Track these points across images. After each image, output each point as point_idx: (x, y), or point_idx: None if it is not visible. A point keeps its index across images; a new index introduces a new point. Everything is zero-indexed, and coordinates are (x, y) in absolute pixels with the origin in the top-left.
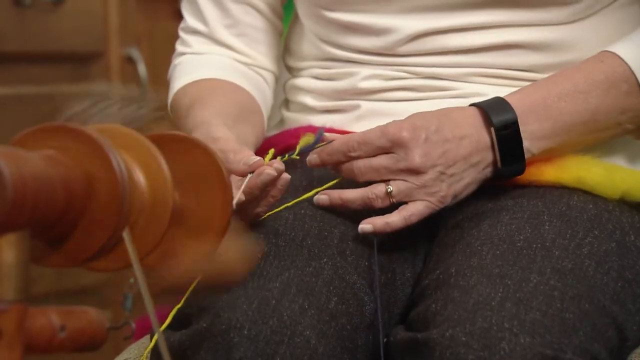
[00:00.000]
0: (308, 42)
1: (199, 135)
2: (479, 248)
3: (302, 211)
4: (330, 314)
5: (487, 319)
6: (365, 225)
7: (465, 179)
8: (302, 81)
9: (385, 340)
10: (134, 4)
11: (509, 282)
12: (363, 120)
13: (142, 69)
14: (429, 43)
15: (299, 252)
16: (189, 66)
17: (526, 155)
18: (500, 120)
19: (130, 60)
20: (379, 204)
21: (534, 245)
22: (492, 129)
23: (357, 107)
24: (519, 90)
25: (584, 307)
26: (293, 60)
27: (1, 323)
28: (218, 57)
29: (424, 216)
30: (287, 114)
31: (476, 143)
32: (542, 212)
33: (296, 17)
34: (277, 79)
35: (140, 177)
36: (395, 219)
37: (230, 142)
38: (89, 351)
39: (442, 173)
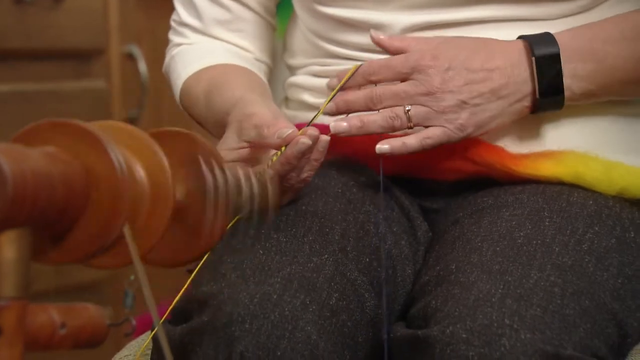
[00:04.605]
0: (306, 40)
1: (234, 116)
2: (479, 244)
3: (304, 207)
4: (331, 310)
5: (488, 316)
6: (383, 146)
7: (491, 111)
8: (300, 79)
9: (386, 336)
10: (134, 1)
11: (510, 279)
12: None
13: (142, 66)
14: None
15: (300, 248)
16: (193, 55)
17: (566, 93)
18: (542, 52)
19: (130, 58)
20: (398, 123)
21: (534, 242)
22: (533, 59)
23: None
24: (566, 29)
25: (584, 304)
26: (292, 58)
27: (2, 320)
28: (220, 44)
29: (442, 142)
30: (286, 111)
31: (508, 76)
32: (543, 208)
33: (294, 15)
34: (271, 72)
35: (141, 173)
36: (412, 140)
37: (265, 116)
38: (90, 348)
39: (464, 102)
